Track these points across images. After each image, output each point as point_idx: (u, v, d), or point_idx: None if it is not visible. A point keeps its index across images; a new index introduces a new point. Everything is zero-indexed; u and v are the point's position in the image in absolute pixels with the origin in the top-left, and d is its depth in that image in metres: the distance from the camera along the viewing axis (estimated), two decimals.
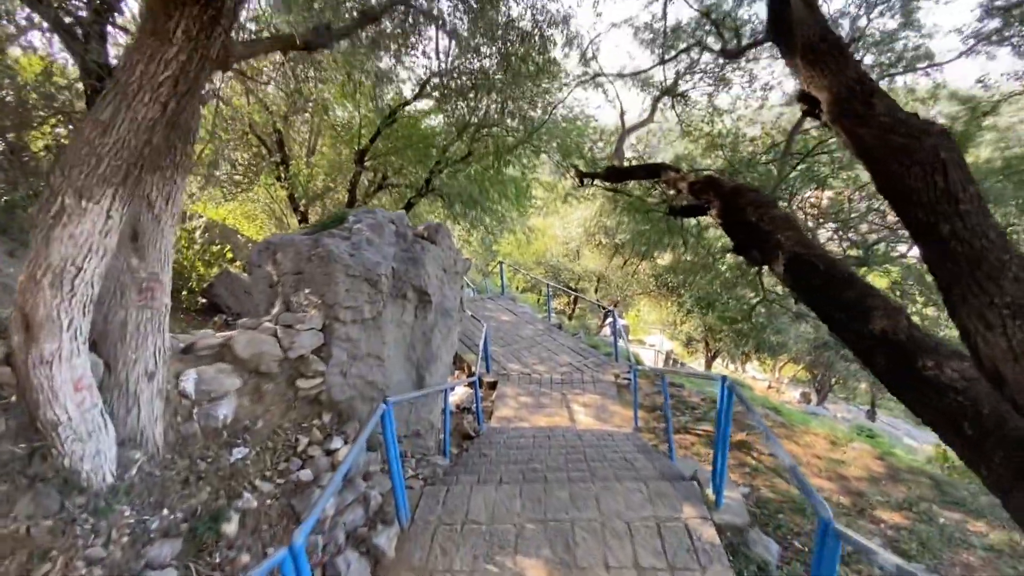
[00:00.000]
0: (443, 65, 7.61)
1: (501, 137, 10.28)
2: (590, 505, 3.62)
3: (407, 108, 9.65)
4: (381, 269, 4.09)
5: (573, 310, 20.97)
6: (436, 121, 10.64)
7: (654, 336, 27.50)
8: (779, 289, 15.91)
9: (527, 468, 4.55)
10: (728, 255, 12.17)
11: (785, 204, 7.65)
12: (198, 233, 8.56)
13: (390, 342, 4.28)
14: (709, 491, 3.83)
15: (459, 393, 7.98)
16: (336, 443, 3.68)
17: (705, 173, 5.73)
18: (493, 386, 8.55)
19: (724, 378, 3.95)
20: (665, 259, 21.60)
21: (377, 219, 4.52)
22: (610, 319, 25.79)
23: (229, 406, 3.32)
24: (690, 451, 6.20)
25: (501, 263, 12.74)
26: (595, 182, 8.10)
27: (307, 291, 3.94)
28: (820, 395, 20.04)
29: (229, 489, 3.00)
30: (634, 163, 8.09)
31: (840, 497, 5.21)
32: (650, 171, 6.05)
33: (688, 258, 19.04)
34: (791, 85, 8.55)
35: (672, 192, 6.15)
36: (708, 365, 19.92)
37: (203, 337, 3.67)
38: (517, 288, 23.81)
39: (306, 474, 3.35)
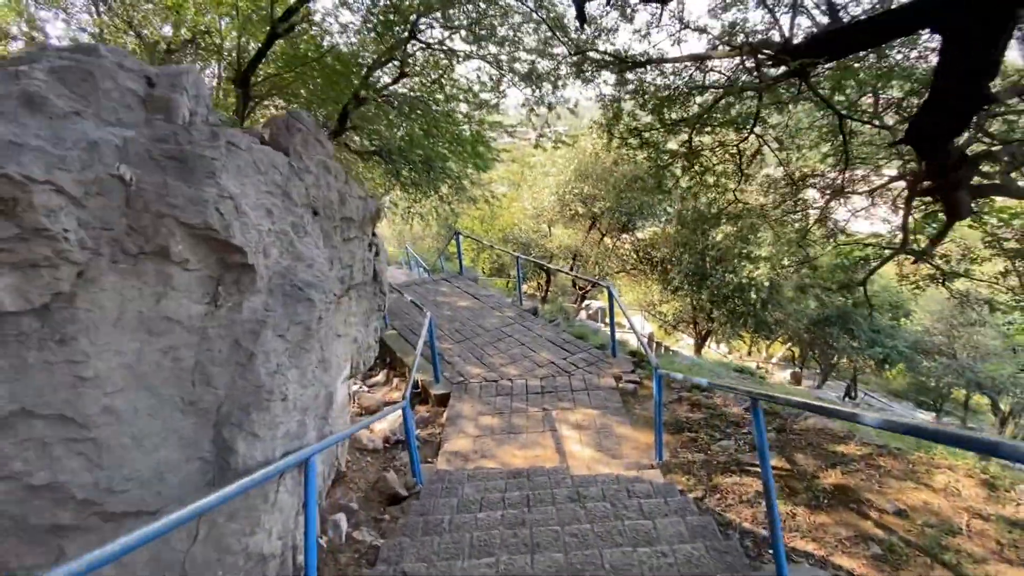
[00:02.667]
0: None
1: (445, 56, 7.57)
2: None
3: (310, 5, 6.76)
4: (31, 170, 1.43)
5: (547, 291, 18.49)
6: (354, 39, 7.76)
7: (633, 318, 25.46)
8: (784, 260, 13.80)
9: None
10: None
11: None
12: None
13: (111, 372, 1.64)
14: None
15: (388, 418, 5.36)
16: None
17: None
18: (444, 401, 5.96)
19: (755, 402, 2.70)
20: (647, 232, 19.33)
21: (83, 62, 1.78)
22: (587, 299, 23.47)
23: None
24: (758, 509, 3.80)
25: (457, 235, 10.06)
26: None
27: None
28: (822, 377, 18.31)
29: None
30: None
31: None
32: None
33: (676, 229, 16.79)
34: None
35: None
36: (698, 349, 17.88)
37: None
38: (484, 271, 21.13)
39: None
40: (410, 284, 10.04)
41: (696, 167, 6.24)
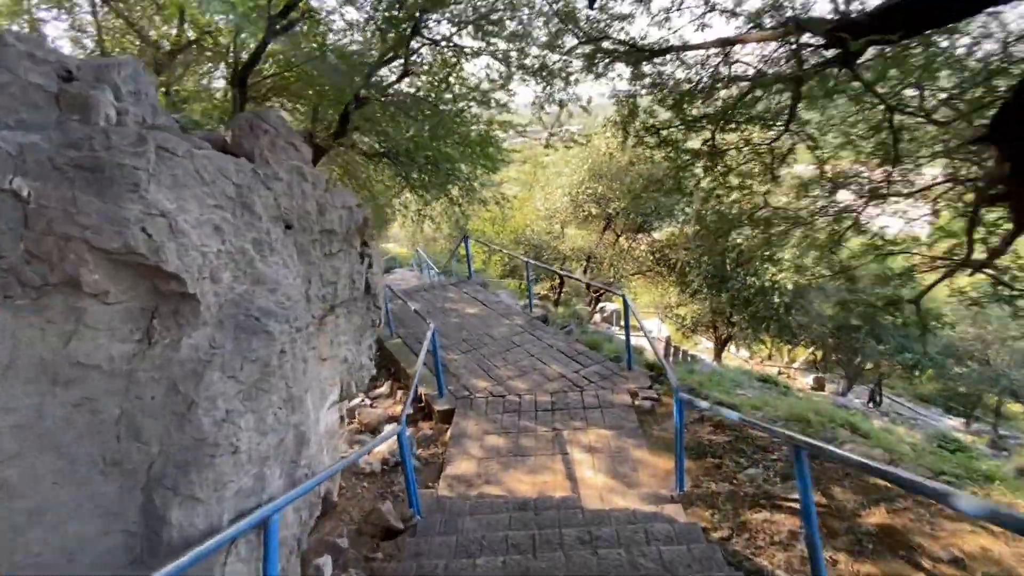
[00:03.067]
0: None
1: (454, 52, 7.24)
2: None
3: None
4: None
5: (560, 294, 18.07)
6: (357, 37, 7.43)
7: (649, 321, 24.84)
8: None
9: None
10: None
11: None
12: None
13: None
14: None
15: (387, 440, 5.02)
16: None
17: None
18: (448, 417, 5.61)
19: (798, 451, 2.18)
20: (663, 233, 18.78)
21: None
22: (602, 301, 22.98)
23: None
24: (793, 553, 3.37)
25: (466, 238, 9.71)
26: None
27: None
28: (848, 383, 17.57)
29: None
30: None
31: None
32: None
33: (693, 228, 16.26)
34: None
35: None
36: (718, 354, 17.28)
37: None
38: (497, 273, 20.79)
39: None
40: (418, 290, 9.73)
41: (719, 167, 5.77)
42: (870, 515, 3.61)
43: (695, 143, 5.84)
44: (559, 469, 4.61)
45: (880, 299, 6.44)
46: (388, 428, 4.16)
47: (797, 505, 3.79)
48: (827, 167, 5.73)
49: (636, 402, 5.56)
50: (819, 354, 22.08)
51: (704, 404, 3.62)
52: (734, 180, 6.01)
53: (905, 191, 5.29)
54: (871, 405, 20.15)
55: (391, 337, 7.73)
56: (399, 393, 6.72)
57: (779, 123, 4.50)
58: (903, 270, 6.33)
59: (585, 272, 18.16)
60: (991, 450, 12.33)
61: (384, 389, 7.16)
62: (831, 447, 2.05)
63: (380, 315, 4.05)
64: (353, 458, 2.97)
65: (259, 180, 2.18)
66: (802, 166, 8.05)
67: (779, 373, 20.09)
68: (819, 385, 20.63)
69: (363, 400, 6.54)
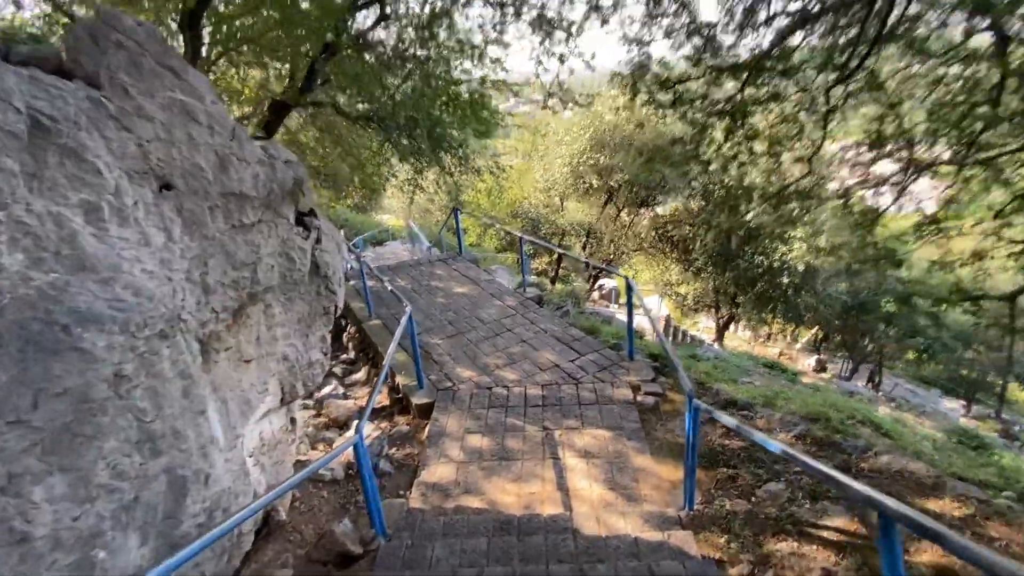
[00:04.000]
0: None
1: None
2: None
3: None
4: None
5: (558, 270, 17.37)
6: None
7: (649, 298, 24.20)
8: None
9: None
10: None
11: None
12: None
13: None
14: None
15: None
16: None
17: None
18: (427, 411, 4.99)
19: (888, 522, 1.47)
20: (667, 208, 17.94)
21: None
22: (602, 284, 22.32)
23: None
24: None
25: (456, 211, 8.94)
26: None
27: None
28: (855, 366, 17.07)
29: None
30: None
31: None
32: None
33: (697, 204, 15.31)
34: None
35: None
36: (720, 334, 16.72)
37: None
38: (493, 247, 19.99)
39: None
40: (403, 266, 9.02)
41: (743, 130, 4.99)
42: (920, 552, 3.00)
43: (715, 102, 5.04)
44: (549, 477, 4.00)
45: (949, 290, 5.69)
46: (347, 436, 3.52)
47: (832, 535, 3.20)
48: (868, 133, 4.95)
49: (638, 398, 4.94)
50: (819, 335, 21.58)
51: (729, 421, 2.96)
52: (759, 146, 5.23)
53: (959, 159, 4.52)
54: (868, 386, 19.76)
55: (371, 318, 7.06)
56: (381, 389, 6.08)
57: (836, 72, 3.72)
58: (969, 254, 5.59)
59: (584, 248, 17.42)
60: (1002, 440, 11.88)
61: (361, 375, 6.54)
62: (936, 524, 1.38)
63: (336, 300, 3.36)
64: (284, 488, 2.32)
65: (104, 115, 1.47)
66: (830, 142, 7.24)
67: (780, 355, 19.61)
68: (821, 367, 20.19)
69: (335, 388, 5.92)
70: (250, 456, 2.60)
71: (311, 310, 3.16)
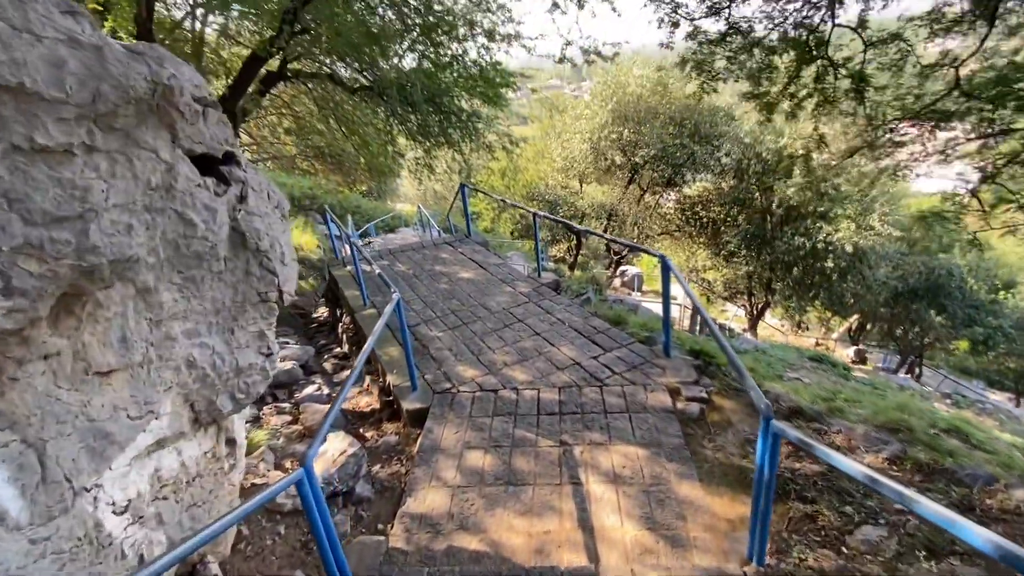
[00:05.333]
0: None
1: None
2: None
3: None
4: None
5: (577, 256, 16.35)
6: None
7: (674, 286, 22.98)
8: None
9: None
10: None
11: None
12: None
13: None
14: None
15: (328, 455, 3.57)
16: None
17: None
18: (419, 418, 4.14)
19: None
20: (695, 188, 16.66)
21: None
22: (623, 264, 21.17)
23: None
24: None
25: (463, 187, 8.04)
26: None
27: None
28: (903, 358, 15.71)
29: None
30: None
31: None
32: None
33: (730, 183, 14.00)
34: None
35: None
36: (754, 323, 15.54)
37: None
38: (508, 232, 19.01)
39: None
40: (405, 250, 8.18)
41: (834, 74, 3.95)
42: None
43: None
44: (568, 510, 3.11)
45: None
46: (287, 474, 2.68)
47: None
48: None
49: (679, 405, 4.00)
50: (854, 325, 20.13)
51: (832, 456, 1.96)
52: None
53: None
54: (910, 378, 18.34)
55: (365, 307, 6.24)
56: (368, 379, 5.28)
57: None
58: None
59: (606, 232, 16.33)
60: None
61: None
62: None
63: (281, 283, 2.48)
64: (182, 552, 1.47)
65: None
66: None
67: (817, 345, 18.31)
68: (860, 358, 18.80)
69: (318, 388, 5.12)
70: (123, 512, 1.76)
71: (237, 297, 2.30)
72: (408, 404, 4.25)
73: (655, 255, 4.35)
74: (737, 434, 3.69)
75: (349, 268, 7.49)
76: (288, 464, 3.80)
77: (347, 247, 7.17)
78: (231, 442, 2.74)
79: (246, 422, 4.26)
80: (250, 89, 8.50)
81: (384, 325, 3.63)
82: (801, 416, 3.98)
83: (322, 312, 8.34)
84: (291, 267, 2.65)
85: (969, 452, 3.92)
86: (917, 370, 19.39)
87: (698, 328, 16.40)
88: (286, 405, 4.65)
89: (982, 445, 4.35)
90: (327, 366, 6.00)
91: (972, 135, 5.38)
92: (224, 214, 2.11)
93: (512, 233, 19.47)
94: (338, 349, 6.71)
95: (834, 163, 5.05)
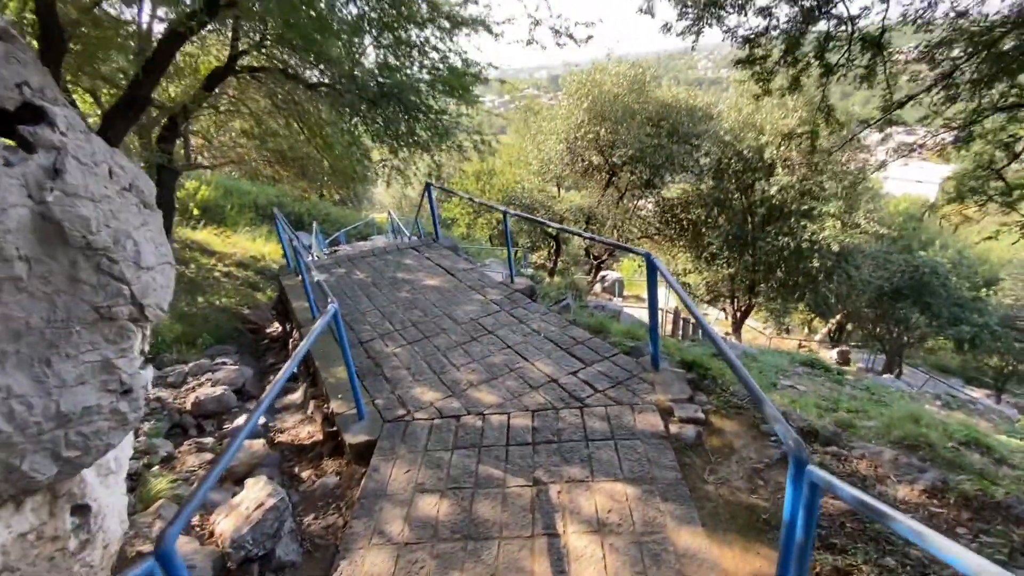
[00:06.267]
0: None
1: None
2: None
3: None
4: None
5: (555, 262, 15.81)
6: None
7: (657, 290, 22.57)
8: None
9: None
10: None
11: None
12: None
13: None
14: None
15: (239, 510, 2.86)
16: None
17: None
18: (365, 454, 3.45)
19: None
20: (674, 191, 16.31)
21: None
22: (603, 269, 20.66)
23: None
24: None
25: (429, 187, 7.40)
26: None
27: None
28: (889, 359, 15.51)
29: None
30: None
31: None
32: None
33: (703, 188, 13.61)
34: None
35: None
36: (737, 327, 15.17)
37: None
38: (489, 240, 18.35)
39: None
40: (364, 255, 7.49)
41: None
42: None
43: None
44: (541, 573, 2.46)
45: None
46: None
47: None
48: None
49: (672, 428, 3.40)
50: (835, 326, 20.01)
51: (922, 535, 1.35)
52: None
53: None
54: (890, 377, 18.23)
55: (314, 320, 5.52)
56: (311, 405, 4.56)
57: None
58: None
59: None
60: None
61: (297, 396, 5.02)
62: None
63: (131, 293, 1.80)
64: None
65: None
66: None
67: (800, 347, 18.07)
68: (844, 360, 18.61)
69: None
70: None
71: (56, 314, 1.62)
72: (352, 436, 3.56)
73: (640, 253, 3.77)
74: (743, 463, 3.10)
75: (301, 277, 6.77)
76: (197, 519, 3.06)
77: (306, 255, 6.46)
78: (82, 510, 2.03)
79: (153, 465, 3.52)
80: (192, 89, 7.78)
81: (309, 342, 2.95)
82: (815, 439, 3.42)
83: (276, 327, 7.58)
84: (160, 273, 1.96)
85: (997, 470, 3.43)
86: (897, 369, 19.32)
87: (681, 333, 15.96)
88: (209, 440, 3.90)
89: (1006, 459, 3.88)
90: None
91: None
92: (18, 193, 1.43)
93: (490, 239, 18.84)
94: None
95: (835, 149, 4.66)
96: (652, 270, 3.66)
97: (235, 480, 3.44)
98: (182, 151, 11.63)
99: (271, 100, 9.73)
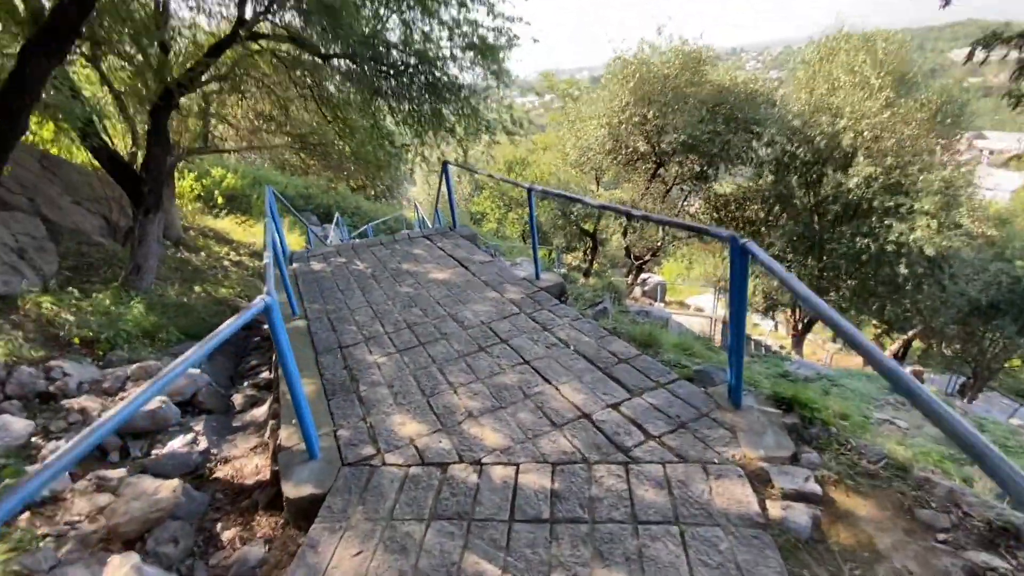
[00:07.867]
0: None
1: None
2: None
3: None
4: None
5: (592, 262, 14.49)
6: None
7: (701, 297, 20.85)
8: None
9: None
10: None
11: None
12: None
13: None
14: None
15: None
16: None
17: None
18: (308, 514, 2.36)
19: None
20: (727, 185, 14.68)
21: None
22: (645, 279, 19.17)
23: None
24: None
25: (445, 165, 6.36)
26: None
27: None
28: (973, 384, 13.45)
29: None
30: None
31: None
32: None
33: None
34: None
35: None
36: (798, 341, 13.44)
37: None
38: (520, 238, 17.20)
39: None
40: (370, 244, 6.51)
41: None
42: None
43: None
44: None
45: None
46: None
47: None
48: None
49: (770, 507, 2.15)
50: (898, 342, 17.71)
51: None
52: None
53: None
54: (956, 398, 15.90)
55: (294, 317, 4.54)
56: (270, 427, 3.53)
57: None
58: None
59: (626, 235, 14.44)
60: None
61: (262, 412, 4.01)
62: None
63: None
64: None
65: None
66: None
67: (865, 365, 16.04)
68: (919, 379, 16.46)
69: (194, 440, 3.39)
70: None
71: None
72: (293, 486, 2.49)
73: (723, 236, 2.53)
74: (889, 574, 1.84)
75: (295, 266, 5.84)
76: None
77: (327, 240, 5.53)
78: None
79: (28, 508, 2.55)
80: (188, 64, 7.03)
81: (216, 345, 1.88)
82: (1004, 533, 2.10)
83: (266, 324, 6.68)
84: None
85: None
86: (971, 393, 16.94)
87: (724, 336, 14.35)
88: (119, 472, 2.91)
89: None
90: (237, 399, 4.28)
91: None
92: None
93: (522, 237, 17.66)
94: (267, 373, 5.01)
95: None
96: (742, 258, 2.41)
97: (126, 540, 2.42)
98: (198, 133, 11.07)
99: (288, 76, 8.94)
